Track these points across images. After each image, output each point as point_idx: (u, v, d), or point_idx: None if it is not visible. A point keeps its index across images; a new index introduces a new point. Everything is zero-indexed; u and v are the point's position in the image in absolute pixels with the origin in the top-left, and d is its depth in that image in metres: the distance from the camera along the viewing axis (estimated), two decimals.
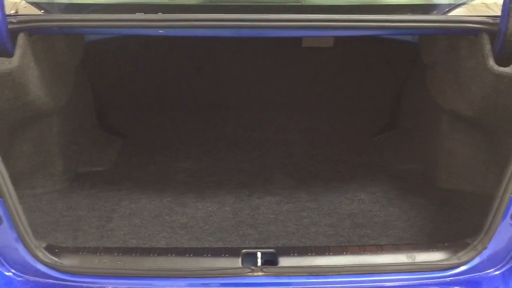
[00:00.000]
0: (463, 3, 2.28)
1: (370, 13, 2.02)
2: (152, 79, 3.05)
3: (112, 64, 2.95)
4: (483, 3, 2.18)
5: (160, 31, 1.79)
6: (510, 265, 1.83)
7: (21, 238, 1.74)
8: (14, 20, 1.88)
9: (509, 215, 1.77)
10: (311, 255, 1.82)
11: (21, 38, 1.91)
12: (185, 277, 1.74)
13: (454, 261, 1.77)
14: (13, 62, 1.90)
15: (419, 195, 2.42)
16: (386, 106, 3.15)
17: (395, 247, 1.90)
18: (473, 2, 2.25)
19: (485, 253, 1.77)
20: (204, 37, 2.51)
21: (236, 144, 2.93)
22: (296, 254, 1.82)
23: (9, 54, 1.90)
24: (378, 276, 1.77)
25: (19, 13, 2.00)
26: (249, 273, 1.73)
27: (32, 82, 2.04)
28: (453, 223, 2.22)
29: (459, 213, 2.27)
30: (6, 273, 1.76)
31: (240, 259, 1.79)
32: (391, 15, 2.00)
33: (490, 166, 2.31)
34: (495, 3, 2.08)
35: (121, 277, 1.74)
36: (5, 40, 1.83)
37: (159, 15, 1.84)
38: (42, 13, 2.07)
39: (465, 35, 2.08)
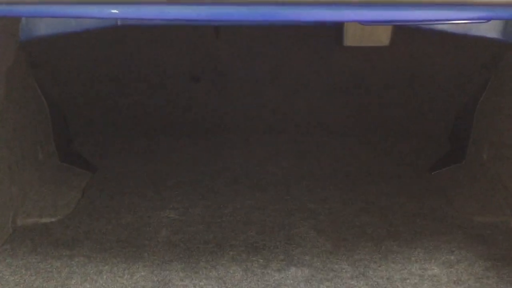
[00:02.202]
0: None
1: None
2: (132, 91, 2.28)
3: (77, 69, 2.18)
4: None
5: (113, 11, 1.03)
6: None
7: None
8: None
9: None
10: None
11: None
12: None
13: None
14: None
15: None
16: (447, 128, 2.36)
17: None
18: None
19: None
20: (191, 22, 1.69)
21: (243, 182, 2.14)
22: None
23: None
24: None
25: None
26: None
27: None
28: None
29: None
30: None
31: None
32: None
33: None
34: None
35: None
36: None
37: None
38: None
39: None
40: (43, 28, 1.92)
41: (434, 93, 2.21)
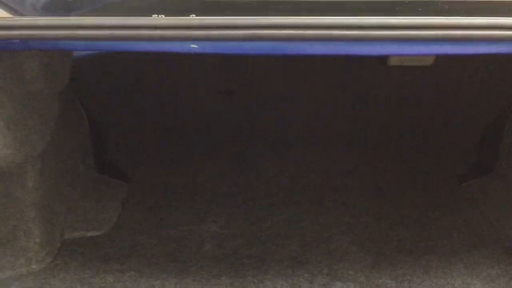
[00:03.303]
0: None
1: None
2: (167, 104, 2.33)
3: (115, 84, 2.23)
4: None
5: (193, 46, 1.06)
6: None
7: None
8: None
9: None
10: None
11: None
12: None
13: None
14: None
15: None
16: (476, 140, 2.39)
17: None
18: None
19: None
20: (269, 55, 1.72)
21: (277, 194, 2.18)
22: None
23: None
24: None
25: None
26: None
27: None
28: None
29: None
30: None
31: None
32: None
33: None
34: None
35: None
36: None
37: (193, 19, 1.10)
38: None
39: None
40: None
41: (465, 104, 2.25)
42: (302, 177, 2.32)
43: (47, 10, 1.49)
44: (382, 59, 1.92)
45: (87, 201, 2.02)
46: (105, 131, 2.35)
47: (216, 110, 2.35)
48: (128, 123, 2.37)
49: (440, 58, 1.91)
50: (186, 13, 1.08)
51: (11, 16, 1.39)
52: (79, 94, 2.13)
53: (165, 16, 1.08)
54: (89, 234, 1.87)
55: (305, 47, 1.08)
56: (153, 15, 1.10)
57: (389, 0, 1.16)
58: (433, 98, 2.21)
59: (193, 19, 1.07)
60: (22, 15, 1.41)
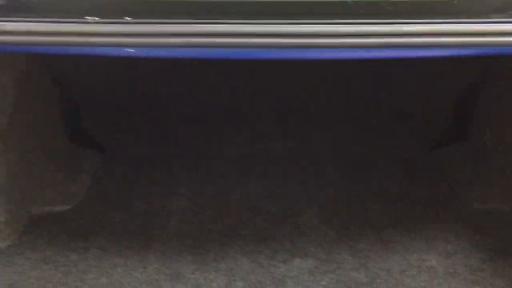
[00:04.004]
0: None
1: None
2: (141, 72, 2.29)
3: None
4: None
5: (129, 50, 1.04)
6: None
7: None
8: None
9: None
10: None
11: None
12: None
13: None
14: None
15: None
16: (449, 110, 2.38)
17: None
18: None
19: None
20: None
21: (252, 168, 2.19)
22: None
23: None
24: None
25: None
26: None
27: None
28: None
29: None
30: None
31: None
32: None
33: None
34: None
35: None
36: None
37: (126, 25, 1.07)
38: None
39: None
40: None
41: (438, 72, 2.22)
42: (274, 149, 2.33)
43: None
44: None
45: (57, 174, 2.04)
46: (77, 99, 2.34)
47: (191, 79, 2.33)
48: (101, 91, 2.35)
49: None
50: (120, 15, 1.06)
51: None
52: (49, 62, 2.10)
53: (99, 18, 1.05)
54: (57, 209, 1.90)
55: (240, 52, 1.07)
56: (87, 17, 1.07)
57: (332, 0, 1.12)
58: (406, 67, 2.18)
59: (127, 25, 1.04)
60: None
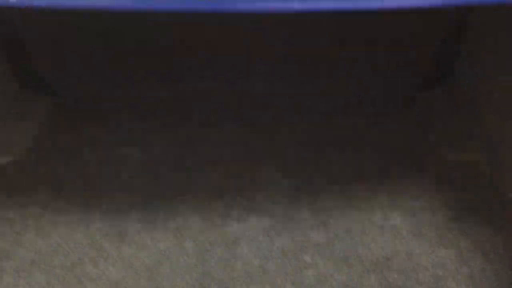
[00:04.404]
0: None
1: None
2: (97, 14, 2.09)
3: None
4: None
5: None
6: None
7: None
8: None
9: None
10: None
11: None
12: None
13: None
14: None
15: (487, 221, 1.59)
16: (430, 51, 2.20)
17: None
18: None
19: None
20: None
21: (215, 116, 2.02)
22: None
23: None
24: None
25: None
26: None
27: None
28: None
29: None
30: None
31: None
32: None
33: None
34: None
35: None
36: None
37: None
38: None
39: None
40: None
41: (420, 15, 2.04)
42: (239, 96, 2.17)
43: None
44: None
45: (2, 122, 1.89)
46: (27, 40, 2.15)
47: (152, 21, 2.13)
48: (53, 33, 2.16)
49: None
50: None
51: None
52: None
53: None
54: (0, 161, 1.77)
55: None
56: None
57: None
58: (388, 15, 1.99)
59: None
60: None
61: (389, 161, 1.79)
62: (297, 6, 0.96)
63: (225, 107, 2.08)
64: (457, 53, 2.03)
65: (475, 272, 1.39)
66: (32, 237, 1.48)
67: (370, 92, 2.16)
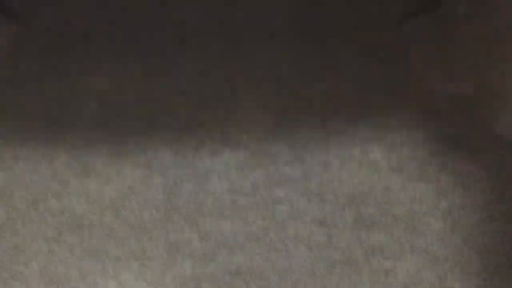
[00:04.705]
0: None
1: None
2: None
3: None
4: None
5: None
6: None
7: None
8: None
9: None
10: None
11: None
12: None
13: None
14: None
15: (472, 156, 1.50)
16: None
17: None
18: None
19: None
20: None
21: (192, 40, 1.90)
22: None
23: None
24: None
25: None
26: None
27: None
28: None
29: None
30: None
31: None
32: None
33: None
34: None
35: None
36: None
37: None
38: None
39: None
40: None
41: None
42: (220, 16, 2.04)
43: None
44: None
45: None
46: None
47: None
48: None
49: None
50: None
51: None
52: None
53: None
54: None
55: None
56: None
57: None
58: None
59: None
60: None
61: (372, 92, 1.70)
62: None
63: (202, 33, 1.96)
64: None
65: (454, 207, 1.34)
66: None
67: (353, 18, 2.04)
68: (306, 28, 2.10)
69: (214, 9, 2.11)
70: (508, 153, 1.46)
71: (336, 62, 1.90)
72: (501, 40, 1.55)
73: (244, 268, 1.27)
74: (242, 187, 1.41)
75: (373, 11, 2.11)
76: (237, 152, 1.51)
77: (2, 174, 1.41)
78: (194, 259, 1.28)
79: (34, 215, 1.33)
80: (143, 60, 1.90)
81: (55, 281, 1.25)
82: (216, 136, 1.58)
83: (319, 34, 2.06)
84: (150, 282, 1.27)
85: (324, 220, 1.32)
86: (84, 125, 1.59)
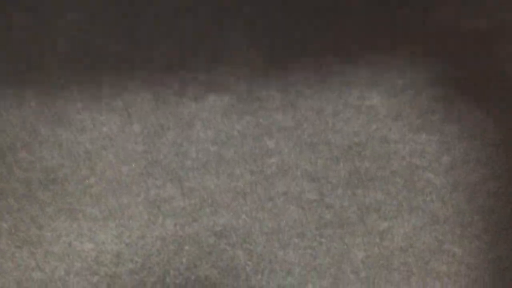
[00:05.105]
0: None
1: None
2: None
3: None
4: None
5: None
6: None
7: None
8: None
9: None
10: None
11: None
12: None
13: None
14: None
15: (480, 102, 1.38)
16: None
17: None
18: None
19: None
20: None
21: None
22: None
23: None
24: None
25: None
26: None
27: None
28: None
29: None
30: None
31: None
32: None
33: None
34: None
35: None
36: None
37: None
38: None
39: None
40: None
41: None
42: None
43: None
44: None
45: None
46: None
47: None
48: None
49: None
50: None
51: None
52: None
53: None
54: None
55: None
56: None
57: None
58: None
59: None
60: None
61: (372, 29, 1.55)
62: None
63: None
64: None
65: (456, 163, 1.24)
66: None
67: None
68: None
69: None
70: None
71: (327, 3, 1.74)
72: None
73: (229, 229, 1.19)
74: (228, 137, 1.30)
75: None
76: (224, 97, 1.39)
77: None
78: (177, 218, 1.20)
79: (2, 169, 1.22)
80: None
81: (26, 242, 1.17)
82: (201, 78, 1.45)
83: None
84: (129, 244, 1.20)
85: (316, 175, 1.22)
86: (54, 67, 1.45)
